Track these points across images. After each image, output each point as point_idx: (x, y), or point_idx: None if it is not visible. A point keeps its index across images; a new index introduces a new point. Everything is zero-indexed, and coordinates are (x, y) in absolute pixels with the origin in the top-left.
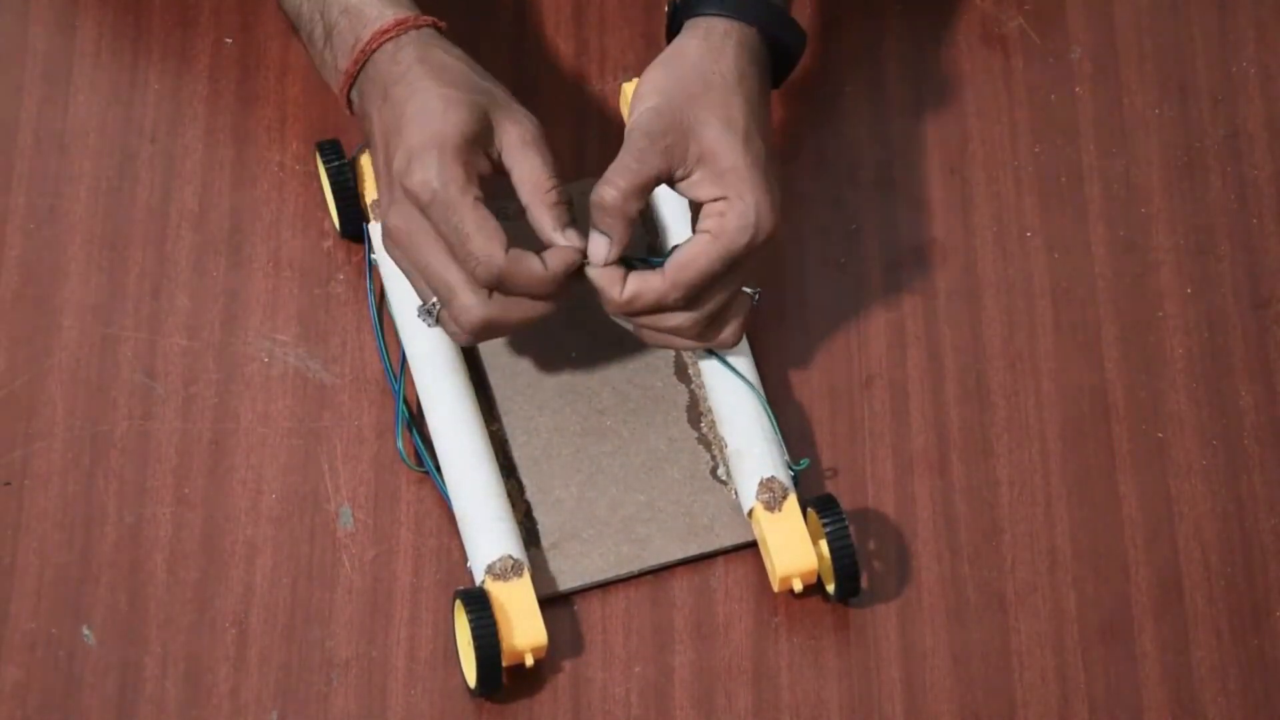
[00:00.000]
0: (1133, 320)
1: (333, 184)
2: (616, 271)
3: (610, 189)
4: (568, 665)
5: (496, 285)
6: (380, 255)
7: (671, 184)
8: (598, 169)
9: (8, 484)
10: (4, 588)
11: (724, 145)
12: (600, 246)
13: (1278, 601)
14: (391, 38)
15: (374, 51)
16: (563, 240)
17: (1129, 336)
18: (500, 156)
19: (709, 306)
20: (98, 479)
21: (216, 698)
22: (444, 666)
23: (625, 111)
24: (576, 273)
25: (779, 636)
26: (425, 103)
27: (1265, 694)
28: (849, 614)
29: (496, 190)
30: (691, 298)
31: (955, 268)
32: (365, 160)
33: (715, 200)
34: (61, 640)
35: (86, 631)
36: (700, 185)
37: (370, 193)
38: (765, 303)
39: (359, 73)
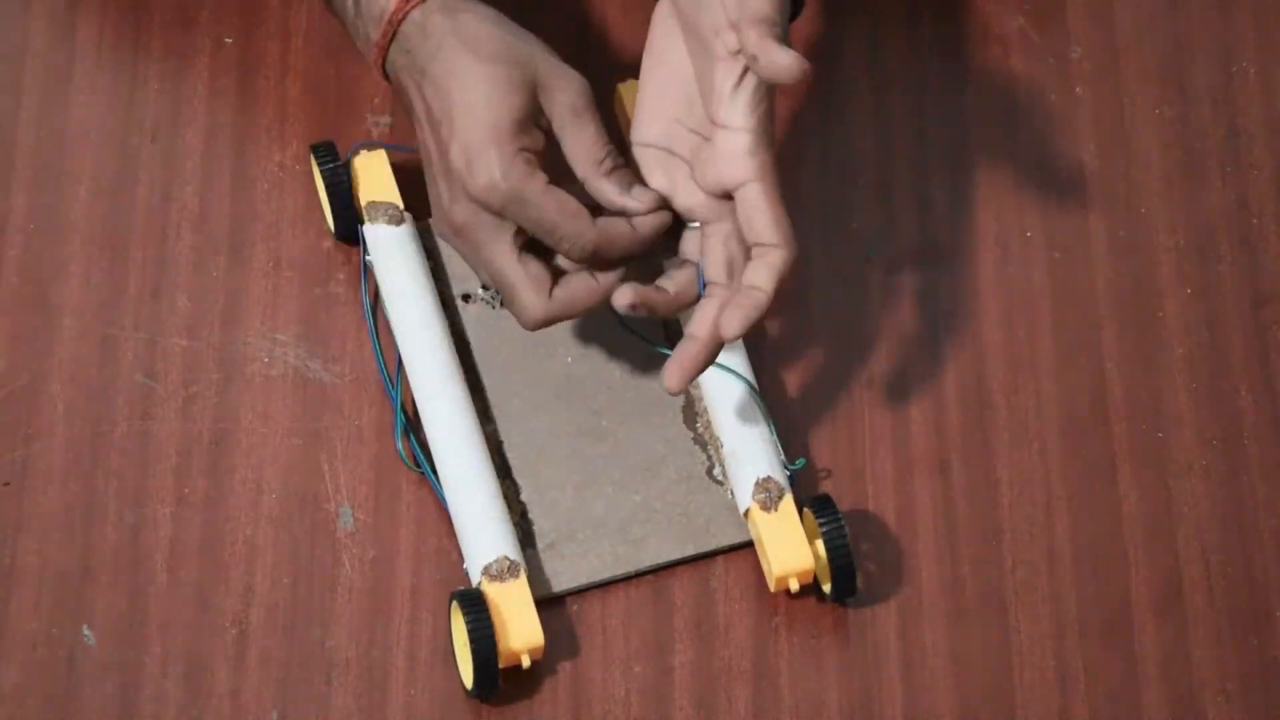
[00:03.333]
0: (1133, 320)
1: (328, 187)
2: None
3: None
4: (567, 666)
5: (592, 260)
6: (375, 258)
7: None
8: None
9: (8, 484)
10: (4, 588)
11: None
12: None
13: (1278, 601)
14: (417, 4)
15: (401, 21)
16: (633, 203)
17: (1129, 336)
18: (550, 125)
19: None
20: (98, 479)
21: (216, 698)
22: (444, 666)
23: (623, 113)
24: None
25: (779, 636)
26: (469, 86)
27: (1265, 694)
28: (849, 614)
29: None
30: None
31: (955, 268)
32: (360, 162)
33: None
34: (61, 640)
35: (86, 631)
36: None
37: (365, 195)
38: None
39: (390, 44)
